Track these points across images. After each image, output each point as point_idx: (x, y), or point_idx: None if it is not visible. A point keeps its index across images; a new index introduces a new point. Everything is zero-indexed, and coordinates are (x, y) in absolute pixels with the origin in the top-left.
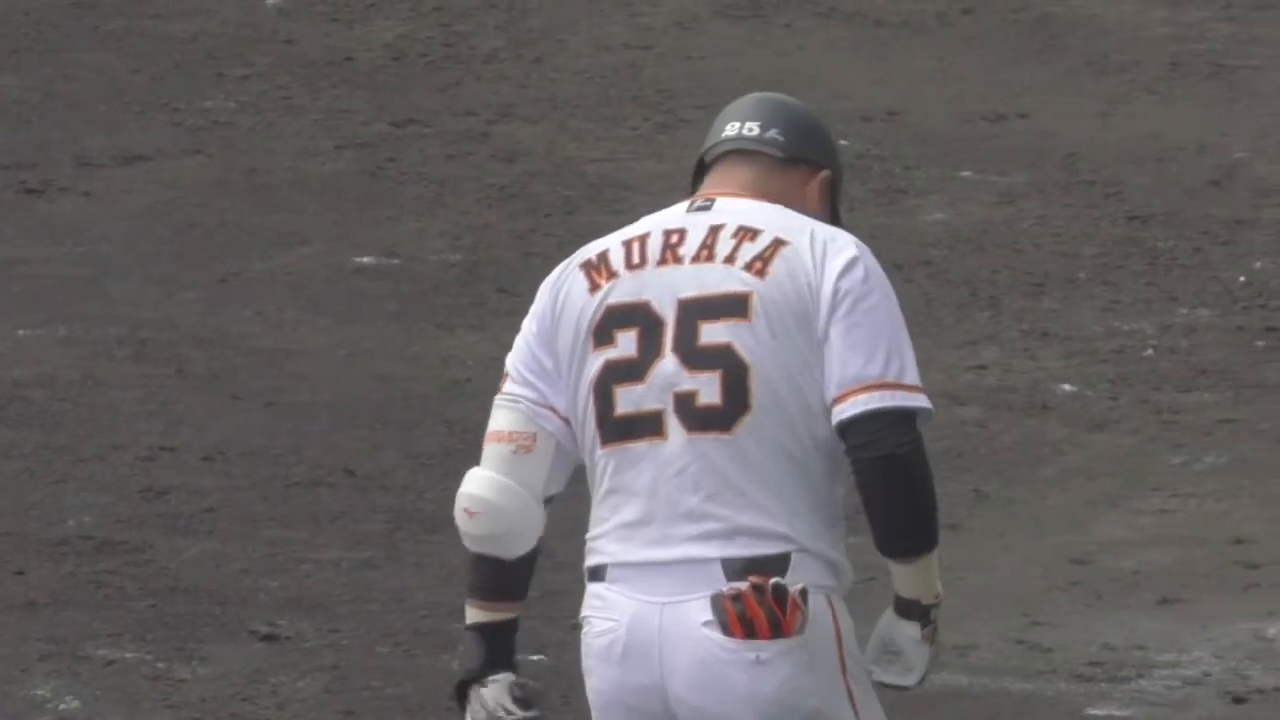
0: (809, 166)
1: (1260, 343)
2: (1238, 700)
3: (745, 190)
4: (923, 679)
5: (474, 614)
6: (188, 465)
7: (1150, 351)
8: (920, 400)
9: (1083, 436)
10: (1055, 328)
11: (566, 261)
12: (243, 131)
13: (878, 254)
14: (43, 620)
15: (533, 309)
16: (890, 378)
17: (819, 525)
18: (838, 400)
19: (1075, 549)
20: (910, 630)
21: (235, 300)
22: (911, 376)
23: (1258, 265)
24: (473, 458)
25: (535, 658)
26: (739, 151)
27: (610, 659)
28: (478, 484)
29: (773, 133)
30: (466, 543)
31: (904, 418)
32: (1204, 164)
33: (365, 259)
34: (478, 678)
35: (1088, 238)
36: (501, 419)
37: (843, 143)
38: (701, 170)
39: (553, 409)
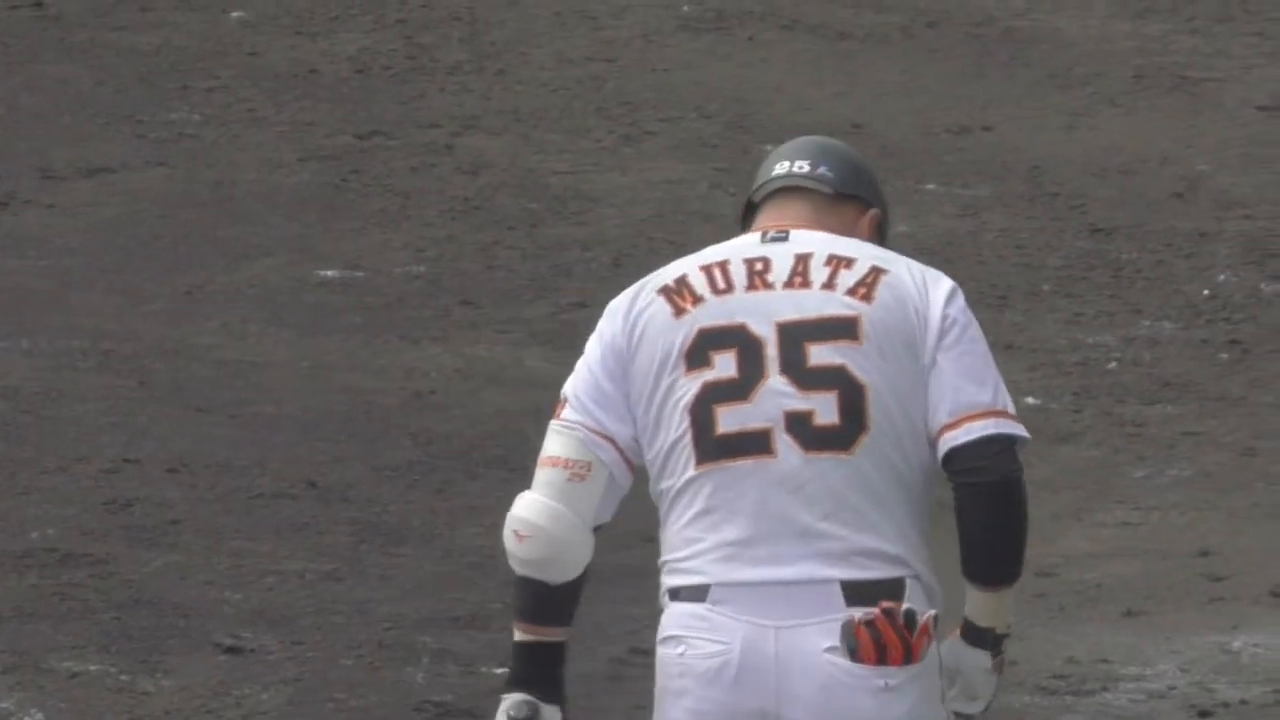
0: (858, 204)
1: (1224, 355)
2: (1203, 714)
3: (804, 223)
4: (988, 708)
5: (517, 632)
6: (152, 477)
7: (1114, 364)
8: (1024, 430)
9: (1047, 449)
10: (1019, 340)
11: (638, 286)
12: (207, 144)
13: None
14: (6, 633)
15: (598, 334)
16: (1000, 405)
17: (924, 550)
18: (950, 426)
19: (1040, 562)
20: (981, 659)
21: (199, 312)
22: (1012, 406)
23: (1221, 278)
24: (436, 469)
25: (500, 670)
26: (789, 189)
27: (720, 682)
28: (529, 508)
29: (822, 170)
30: (514, 565)
31: (1013, 445)
32: (1167, 176)
33: (329, 271)
34: (504, 691)
35: (1051, 250)
36: (557, 445)
37: None
38: (750, 210)
39: (610, 439)
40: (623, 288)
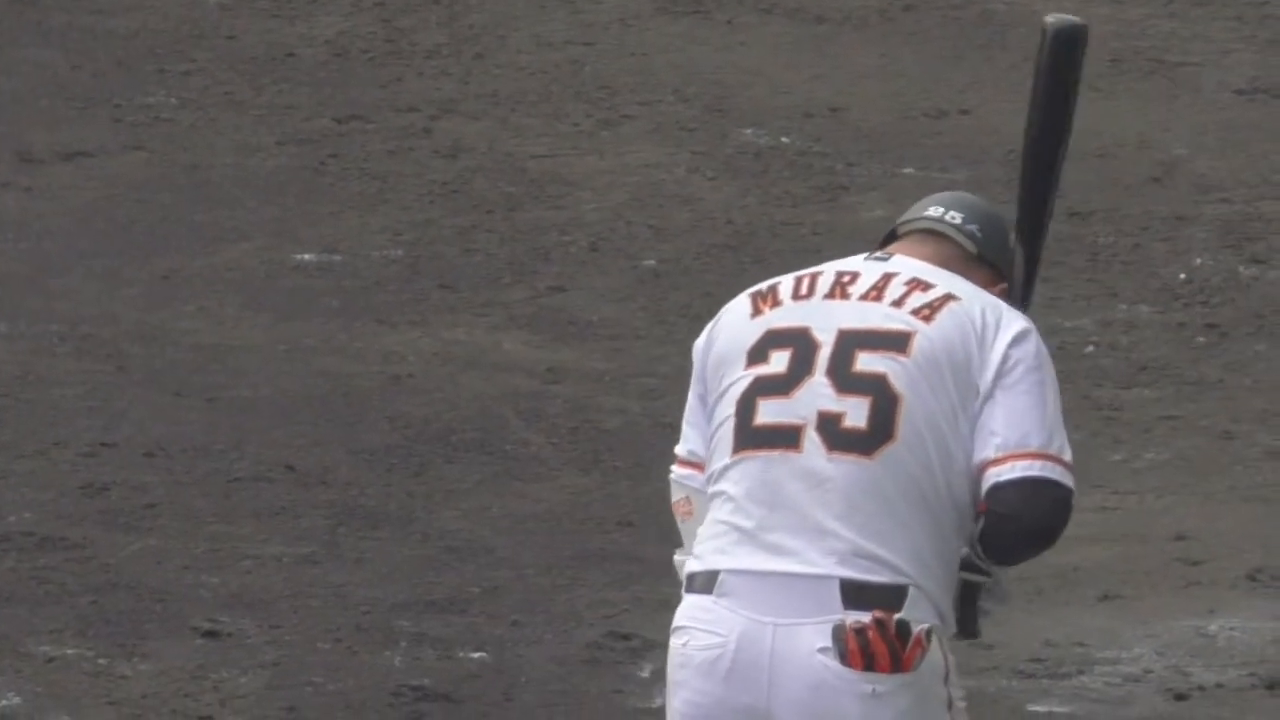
0: (994, 272)
1: (1201, 339)
2: (1179, 697)
3: (928, 262)
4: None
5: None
6: (129, 461)
7: (1091, 348)
8: (1071, 481)
9: None
10: None
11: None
12: (184, 127)
13: (817, 251)
14: None
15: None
16: (1052, 450)
17: (938, 571)
18: (995, 462)
19: None
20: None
21: (177, 296)
22: (1069, 456)
23: (1198, 261)
24: (414, 453)
25: (477, 655)
26: (935, 233)
27: (714, 675)
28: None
29: (973, 228)
30: None
31: (1058, 492)
32: (1145, 160)
33: (307, 255)
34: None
35: None
36: (672, 492)
37: (784, 139)
38: (889, 240)
39: (695, 464)
40: (601, 271)
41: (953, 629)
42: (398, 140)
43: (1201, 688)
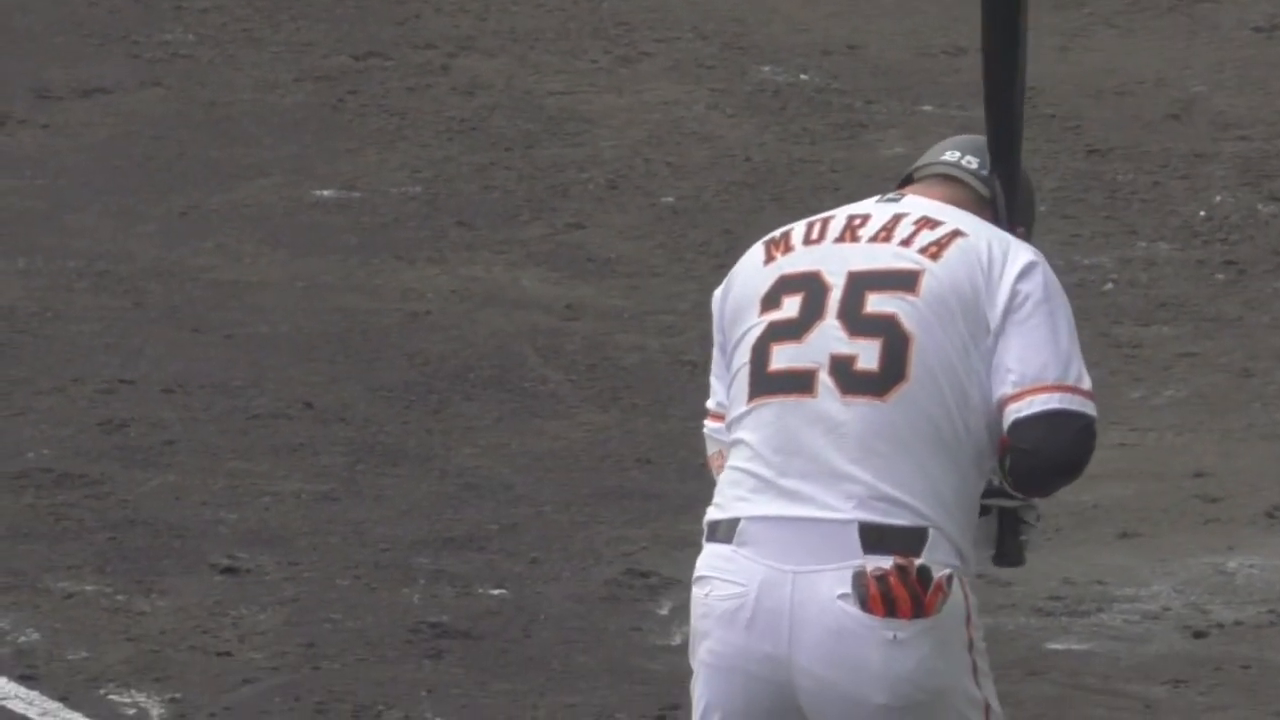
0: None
1: (1220, 276)
2: (1197, 634)
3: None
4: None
5: None
6: (147, 398)
7: (1110, 285)
8: (1093, 409)
9: None
10: None
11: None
12: (202, 64)
13: (835, 189)
14: (1, 553)
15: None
16: (1070, 381)
17: (958, 512)
18: (1013, 399)
19: None
20: None
21: (194, 233)
22: (1088, 384)
23: (1217, 199)
24: (432, 390)
25: (496, 592)
26: (950, 177)
27: (735, 625)
28: None
29: (987, 172)
30: None
31: (1079, 423)
32: (1163, 97)
33: (325, 192)
34: None
35: (1047, 171)
36: (706, 446)
37: (802, 77)
38: (905, 183)
39: (722, 415)
40: (619, 208)
41: (974, 569)
42: (416, 77)
43: (1220, 625)
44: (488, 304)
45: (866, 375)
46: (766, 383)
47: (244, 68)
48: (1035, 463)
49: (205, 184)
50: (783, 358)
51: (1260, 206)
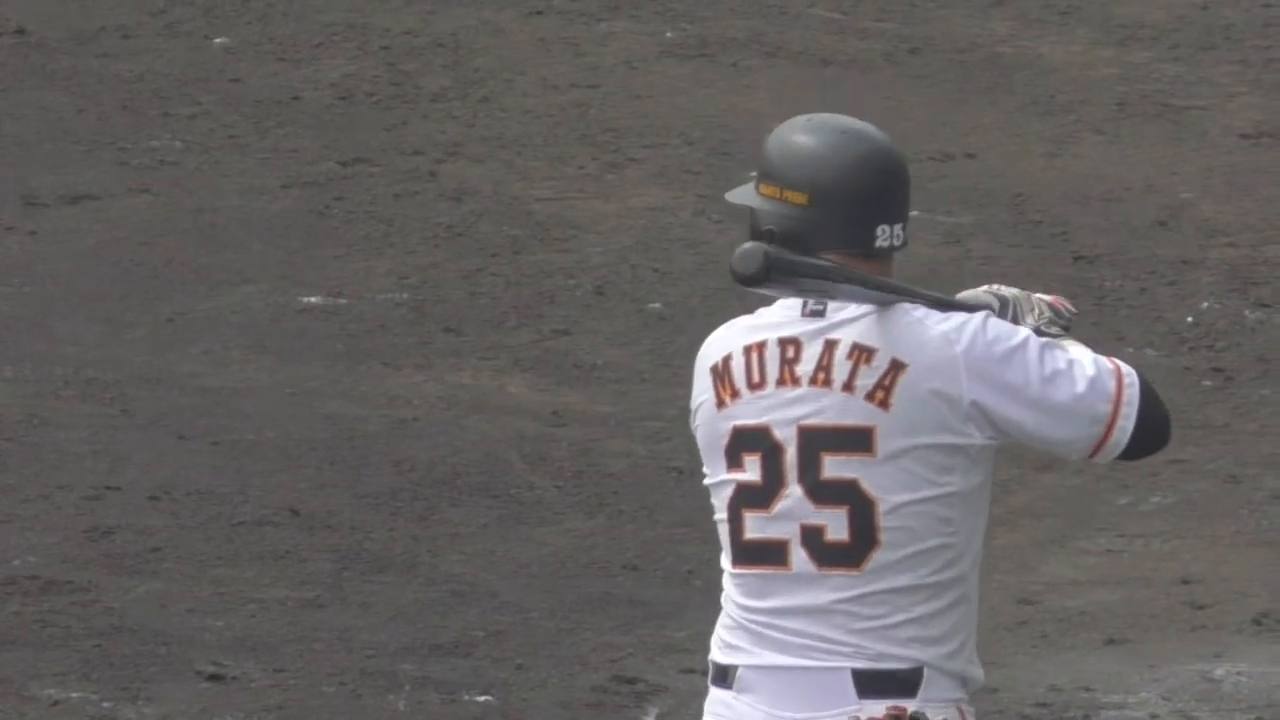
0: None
1: (1207, 383)
2: None
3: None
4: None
5: None
6: (133, 505)
7: None
8: (1136, 387)
9: (1030, 476)
10: None
11: (706, 344)
12: (189, 171)
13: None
14: None
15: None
16: (1112, 391)
17: (953, 643)
18: (1098, 450)
19: (1022, 589)
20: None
21: (181, 339)
22: (1108, 364)
23: (1204, 305)
24: (419, 496)
25: (482, 698)
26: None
27: None
28: None
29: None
30: None
31: (1152, 402)
32: (1151, 204)
33: (312, 298)
34: None
35: (1035, 278)
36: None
37: None
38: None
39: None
40: (606, 315)
41: (981, 681)
42: (403, 183)
43: None
44: (474, 410)
45: (839, 546)
46: (745, 553)
47: (231, 174)
48: (1151, 444)
49: (192, 290)
50: (755, 527)
51: (1247, 313)
